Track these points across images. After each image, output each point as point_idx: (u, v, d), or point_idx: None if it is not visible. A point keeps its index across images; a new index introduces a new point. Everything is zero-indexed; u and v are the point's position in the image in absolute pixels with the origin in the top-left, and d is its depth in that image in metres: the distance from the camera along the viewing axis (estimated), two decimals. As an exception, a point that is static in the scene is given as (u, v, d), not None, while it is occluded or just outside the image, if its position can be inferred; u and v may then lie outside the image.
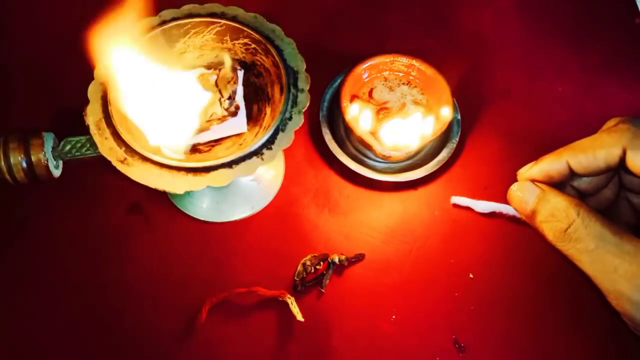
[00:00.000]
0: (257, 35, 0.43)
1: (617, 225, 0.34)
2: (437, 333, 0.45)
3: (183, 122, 0.42)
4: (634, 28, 0.59)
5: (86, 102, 0.41)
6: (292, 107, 0.41)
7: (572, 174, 0.37)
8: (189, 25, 0.44)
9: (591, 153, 0.36)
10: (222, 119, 0.43)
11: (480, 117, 0.54)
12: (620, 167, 0.36)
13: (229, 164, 0.39)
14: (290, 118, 0.41)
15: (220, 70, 0.45)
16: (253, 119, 0.44)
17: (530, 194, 0.37)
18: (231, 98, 0.44)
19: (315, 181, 0.51)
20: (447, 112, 0.48)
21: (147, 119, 0.41)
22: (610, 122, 0.37)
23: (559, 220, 0.35)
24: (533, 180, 0.38)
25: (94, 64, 0.41)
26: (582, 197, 0.39)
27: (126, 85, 0.40)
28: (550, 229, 0.35)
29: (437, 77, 0.50)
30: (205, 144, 0.43)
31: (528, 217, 0.37)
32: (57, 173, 0.44)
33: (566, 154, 0.37)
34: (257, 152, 0.40)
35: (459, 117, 0.51)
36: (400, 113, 0.51)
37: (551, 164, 0.37)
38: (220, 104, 0.44)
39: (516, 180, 0.39)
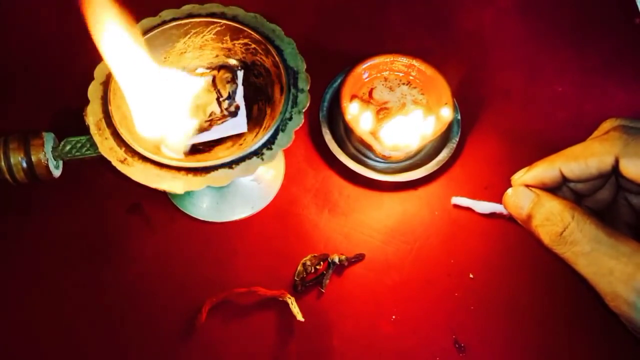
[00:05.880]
0: (257, 35, 0.43)
1: (613, 226, 0.34)
2: (437, 333, 0.45)
3: (177, 114, 0.42)
4: (634, 28, 0.59)
5: (86, 102, 0.41)
6: (292, 107, 0.41)
7: (565, 180, 0.37)
8: (189, 25, 0.44)
9: (583, 161, 0.36)
10: (222, 119, 0.43)
11: (480, 117, 0.54)
12: (614, 173, 0.36)
13: (229, 164, 0.39)
14: (290, 118, 0.41)
15: (219, 70, 0.45)
16: (253, 119, 0.44)
17: (525, 198, 0.37)
18: (231, 98, 0.44)
19: (315, 181, 0.51)
20: (447, 112, 0.48)
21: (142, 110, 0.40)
22: (605, 124, 0.37)
23: (554, 223, 0.35)
24: (527, 186, 0.38)
25: (94, 62, 0.41)
26: (578, 198, 0.40)
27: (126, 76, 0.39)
28: (546, 233, 0.35)
29: (437, 77, 0.50)
30: (205, 144, 0.43)
31: (524, 222, 0.37)
32: (57, 173, 0.44)
33: (558, 161, 0.37)
34: (257, 152, 0.40)
35: (459, 117, 0.51)
36: (400, 113, 0.51)
37: (544, 171, 0.37)
38: (220, 104, 0.44)
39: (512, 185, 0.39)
